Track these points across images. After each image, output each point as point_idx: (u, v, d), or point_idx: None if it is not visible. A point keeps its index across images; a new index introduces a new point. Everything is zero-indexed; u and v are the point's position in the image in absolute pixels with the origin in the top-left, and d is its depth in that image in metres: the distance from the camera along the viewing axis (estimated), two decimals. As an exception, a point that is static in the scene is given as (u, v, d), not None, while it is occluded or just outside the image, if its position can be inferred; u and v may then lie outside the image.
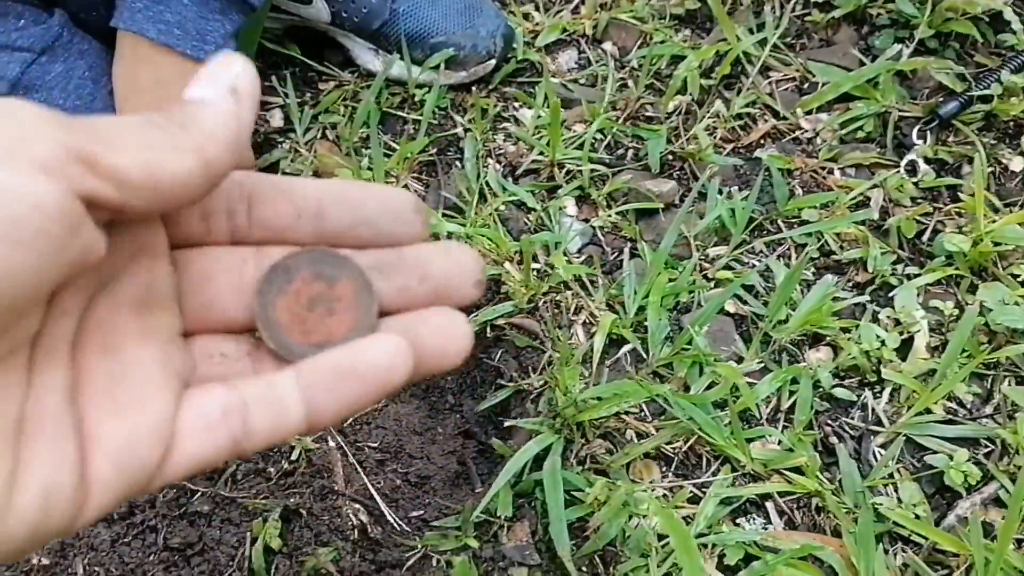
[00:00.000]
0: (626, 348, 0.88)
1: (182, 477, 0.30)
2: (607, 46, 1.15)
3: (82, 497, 0.27)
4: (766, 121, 1.06)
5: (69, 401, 0.28)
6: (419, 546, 0.77)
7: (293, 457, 0.80)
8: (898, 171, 0.99)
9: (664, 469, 0.81)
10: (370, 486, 0.81)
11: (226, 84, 0.30)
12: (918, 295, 0.89)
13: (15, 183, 0.24)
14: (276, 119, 1.09)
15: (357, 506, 0.79)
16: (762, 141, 1.05)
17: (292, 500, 0.77)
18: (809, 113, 1.07)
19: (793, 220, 0.97)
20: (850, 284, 0.92)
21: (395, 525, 0.79)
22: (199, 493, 0.77)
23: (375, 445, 0.87)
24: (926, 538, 0.74)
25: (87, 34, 0.93)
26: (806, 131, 1.05)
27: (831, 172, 1.01)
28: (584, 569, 0.75)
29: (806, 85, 1.09)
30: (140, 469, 0.28)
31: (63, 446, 0.27)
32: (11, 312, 0.25)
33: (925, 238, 0.95)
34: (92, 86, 0.90)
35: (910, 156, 0.99)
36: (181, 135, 0.28)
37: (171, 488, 0.77)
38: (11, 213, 0.24)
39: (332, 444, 0.81)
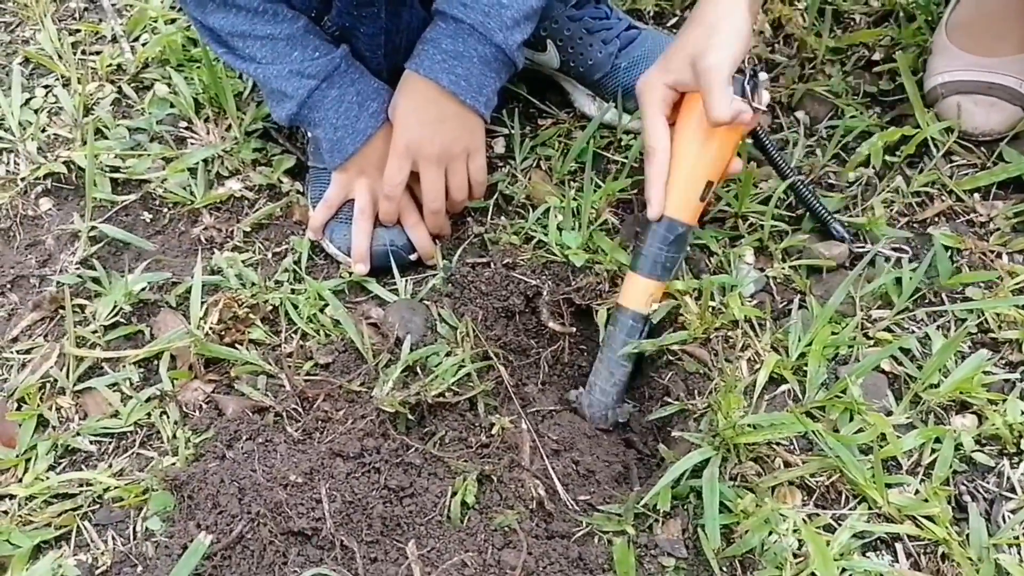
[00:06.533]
0: (784, 387, 0.99)
1: None
2: (799, 114, 1.27)
3: None
4: (943, 201, 1.14)
5: None
6: (585, 524, 0.92)
7: (492, 432, 0.96)
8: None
9: (805, 498, 0.92)
10: (550, 467, 0.96)
11: None
12: (1068, 381, 0.96)
13: None
14: (499, 146, 1.27)
15: (537, 481, 0.94)
16: (936, 219, 1.14)
17: (487, 467, 0.93)
18: (986, 199, 1.14)
19: (956, 295, 1.06)
20: (1003, 361, 1.00)
21: (567, 503, 0.94)
22: (414, 448, 0.95)
23: (554, 438, 1.02)
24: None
25: (359, 65, 1.12)
26: (980, 215, 1.13)
27: (999, 256, 1.09)
28: (724, 569, 0.87)
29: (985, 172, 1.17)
30: None
31: None
32: None
33: (1084, 330, 1.01)
34: (357, 109, 1.09)
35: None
36: None
37: (393, 440, 0.95)
38: None
39: (524, 427, 0.97)
